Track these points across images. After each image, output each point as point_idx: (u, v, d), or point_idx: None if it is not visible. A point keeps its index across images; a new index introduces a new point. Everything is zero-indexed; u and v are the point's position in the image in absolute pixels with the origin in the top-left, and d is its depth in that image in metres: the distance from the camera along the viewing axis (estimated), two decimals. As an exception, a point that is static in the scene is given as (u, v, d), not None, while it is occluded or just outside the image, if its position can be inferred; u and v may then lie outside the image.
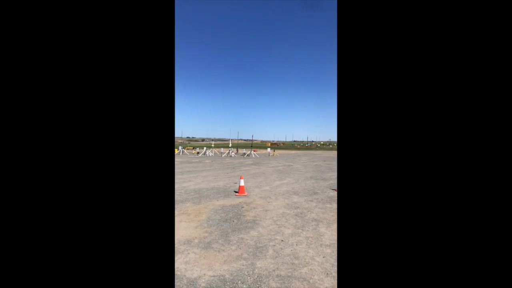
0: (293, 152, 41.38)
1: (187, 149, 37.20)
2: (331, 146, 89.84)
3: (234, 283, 3.02)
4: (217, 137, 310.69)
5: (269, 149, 36.66)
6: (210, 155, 29.88)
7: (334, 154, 37.13)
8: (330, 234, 4.59)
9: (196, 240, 4.24)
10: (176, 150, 31.87)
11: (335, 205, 6.66)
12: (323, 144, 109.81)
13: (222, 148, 39.58)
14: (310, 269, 3.36)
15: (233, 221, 5.32)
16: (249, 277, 3.13)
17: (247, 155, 30.48)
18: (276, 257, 3.67)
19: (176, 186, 9.54)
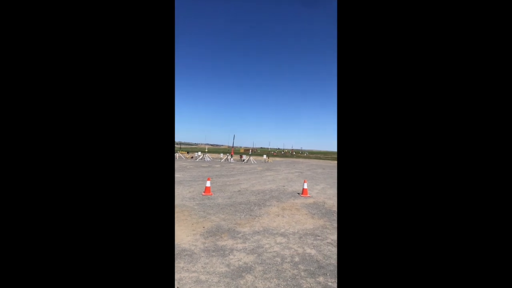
0: (278, 159, 42.65)
1: (181, 153, 36.42)
2: (306, 154, 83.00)
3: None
4: (209, 142, 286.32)
5: (265, 156, 39.19)
6: (208, 160, 29.31)
7: (322, 162, 36.87)
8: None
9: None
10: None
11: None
12: (297, 152, 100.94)
13: (221, 154, 39.93)
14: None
15: (334, 214, 6.73)
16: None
17: (246, 161, 30.63)
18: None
19: (239, 187, 10.70)
